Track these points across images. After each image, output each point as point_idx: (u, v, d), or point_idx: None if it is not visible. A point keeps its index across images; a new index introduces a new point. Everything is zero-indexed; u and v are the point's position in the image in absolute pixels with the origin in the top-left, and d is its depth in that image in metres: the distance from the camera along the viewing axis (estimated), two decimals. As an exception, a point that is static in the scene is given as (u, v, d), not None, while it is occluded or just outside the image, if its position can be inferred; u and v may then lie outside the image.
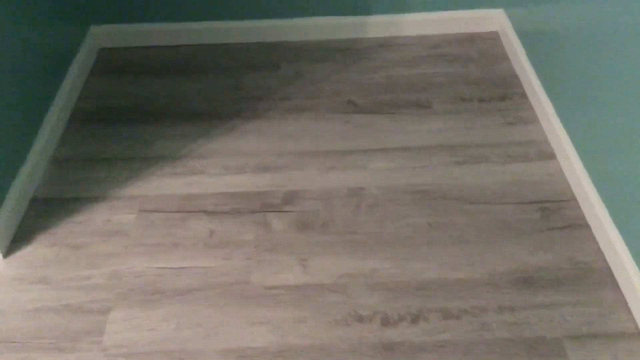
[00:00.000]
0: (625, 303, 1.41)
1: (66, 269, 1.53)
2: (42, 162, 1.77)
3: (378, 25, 2.24)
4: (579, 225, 1.58)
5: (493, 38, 2.24)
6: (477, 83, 2.04)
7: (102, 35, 2.24)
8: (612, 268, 1.47)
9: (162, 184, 1.73)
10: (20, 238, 1.60)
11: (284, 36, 2.26)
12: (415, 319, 1.39)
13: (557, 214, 1.61)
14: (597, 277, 1.46)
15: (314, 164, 1.78)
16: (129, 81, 2.12)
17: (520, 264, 1.50)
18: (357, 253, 1.54)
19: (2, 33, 1.62)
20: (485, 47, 2.20)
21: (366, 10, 2.21)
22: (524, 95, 1.98)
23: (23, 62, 1.73)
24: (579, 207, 1.62)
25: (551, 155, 1.77)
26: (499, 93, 2.00)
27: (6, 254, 1.56)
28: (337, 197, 1.68)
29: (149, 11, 2.20)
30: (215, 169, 1.78)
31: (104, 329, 1.40)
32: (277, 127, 1.90)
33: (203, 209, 1.66)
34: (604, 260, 1.49)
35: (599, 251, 1.51)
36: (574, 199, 1.64)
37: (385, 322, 1.39)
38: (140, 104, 2.02)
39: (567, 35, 1.70)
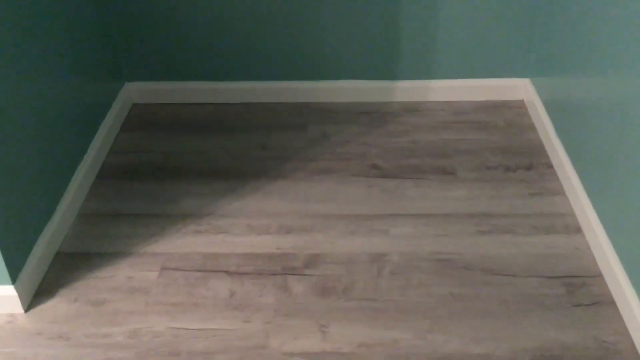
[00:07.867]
0: (653, 387, 1.37)
1: (86, 326, 1.53)
2: (69, 216, 1.80)
3: (404, 90, 2.27)
4: (605, 303, 1.55)
5: (520, 107, 2.25)
6: (502, 151, 2.05)
7: (135, 92, 2.30)
8: (638, 349, 1.43)
9: (186, 242, 1.75)
10: (42, 292, 1.61)
11: (312, 97, 2.30)
12: (435, 394, 1.37)
13: (582, 289, 1.58)
14: (622, 358, 1.42)
15: (336, 227, 1.78)
16: (158, 137, 2.16)
17: (544, 341, 1.47)
18: (378, 321, 1.52)
19: (42, 86, 1.67)
20: (512, 115, 2.22)
21: (393, 75, 2.25)
22: (549, 166, 1.97)
23: (59, 115, 1.77)
24: (605, 284, 1.59)
25: (577, 229, 1.75)
26: (525, 162, 1.99)
27: (28, 308, 1.57)
28: (358, 263, 1.67)
29: (182, 70, 2.26)
30: (239, 228, 1.79)
31: (120, 390, 1.39)
32: (301, 189, 1.92)
33: (225, 269, 1.67)
34: (631, 340, 1.45)
35: (625, 331, 1.48)
36: (600, 275, 1.61)
37: (405, 396, 1.36)
38: (168, 160, 2.05)
39: (593, 107, 1.71)
